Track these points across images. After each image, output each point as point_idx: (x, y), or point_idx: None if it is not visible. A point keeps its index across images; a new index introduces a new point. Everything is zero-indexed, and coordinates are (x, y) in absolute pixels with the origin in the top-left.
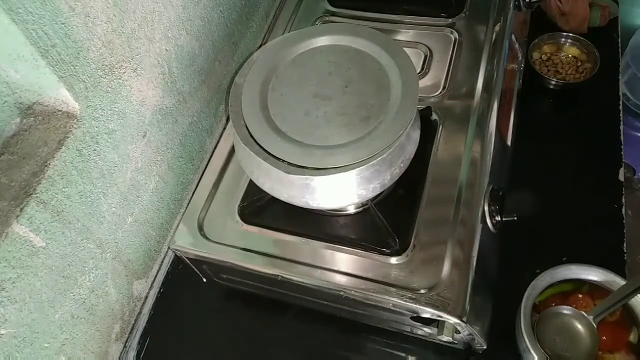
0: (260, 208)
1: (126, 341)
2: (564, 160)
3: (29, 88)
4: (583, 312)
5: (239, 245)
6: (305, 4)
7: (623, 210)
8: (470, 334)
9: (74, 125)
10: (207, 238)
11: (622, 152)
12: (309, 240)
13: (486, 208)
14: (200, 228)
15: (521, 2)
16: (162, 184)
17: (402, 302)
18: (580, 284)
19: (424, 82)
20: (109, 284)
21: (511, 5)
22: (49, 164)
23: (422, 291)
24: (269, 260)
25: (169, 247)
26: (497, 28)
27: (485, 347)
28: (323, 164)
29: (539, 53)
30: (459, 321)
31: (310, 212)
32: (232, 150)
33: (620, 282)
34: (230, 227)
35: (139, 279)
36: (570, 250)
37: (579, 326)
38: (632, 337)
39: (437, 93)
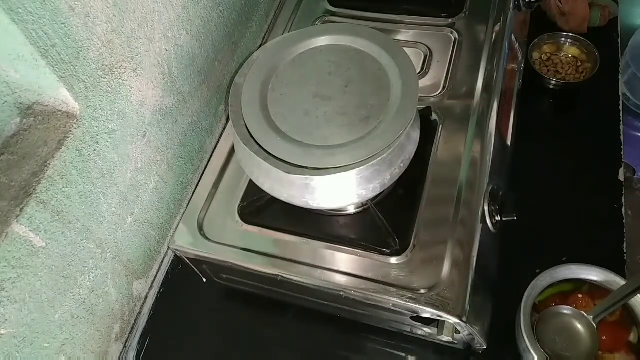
0: (260, 208)
1: (126, 341)
2: (564, 160)
3: (29, 88)
4: (583, 312)
5: (239, 245)
6: (305, 4)
7: (623, 210)
8: (470, 334)
9: (74, 125)
10: (207, 238)
11: (622, 152)
12: (309, 240)
13: (486, 208)
14: (200, 228)
15: (521, 2)
16: (162, 184)
17: (402, 302)
18: (580, 284)
19: (424, 82)
20: (109, 284)
21: (511, 5)
22: (49, 164)
23: (422, 291)
24: (269, 260)
25: (169, 247)
26: (497, 28)
27: (485, 347)
28: (323, 164)
29: (539, 53)
30: (459, 321)
31: (310, 212)
32: (232, 150)
33: (620, 282)
34: (230, 227)
35: (139, 279)
36: (570, 250)
37: (579, 326)
38: (632, 337)
39: (437, 93)
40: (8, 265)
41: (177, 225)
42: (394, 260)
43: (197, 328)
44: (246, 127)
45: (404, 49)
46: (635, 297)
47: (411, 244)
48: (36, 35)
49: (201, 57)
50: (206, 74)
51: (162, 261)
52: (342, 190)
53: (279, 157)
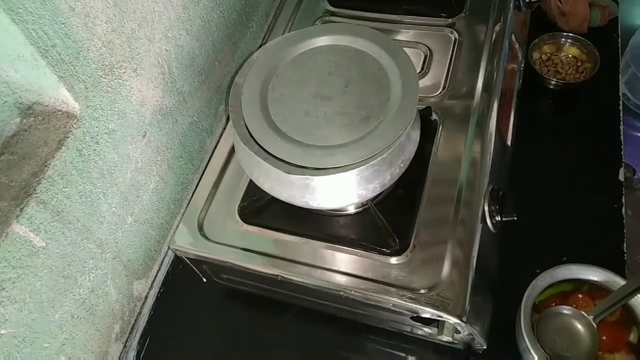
0: (260, 208)
1: (126, 341)
2: (564, 160)
3: (29, 88)
4: (583, 312)
5: (239, 245)
6: (305, 4)
7: (623, 210)
8: (470, 334)
9: (74, 125)
10: (207, 238)
11: (622, 152)
12: (309, 240)
13: (486, 208)
14: (200, 228)
15: (521, 2)
16: (162, 184)
17: (402, 302)
18: (580, 284)
19: (424, 82)
20: (109, 284)
21: (511, 5)
22: (49, 164)
23: (422, 291)
24: (269, 260)
25: (169, 247)
26: (497, 28)
27: (485, 347)
28: (323, 164)
29: (539, 53)
30: (459, 321)
31: (310, 212)
32: (232, 150)
33: (620, 282)
34: (230, 227)
35: (139, 279)
36: (570, 250)
37: (579, 326)
38: (632, 337)
39: (437, 93)
40: (8, 265)
41: (177, 225)
42: (394, 260)
43: (197, 328)
44: (246, 127)
45: (404, 49)
46: (635, 297)
47: (411, 244)
48: (36, 35)
49: (201, 57)
50: (206, 74)
51: (162, 261)
52: (342, 190)
53: (279, 157)
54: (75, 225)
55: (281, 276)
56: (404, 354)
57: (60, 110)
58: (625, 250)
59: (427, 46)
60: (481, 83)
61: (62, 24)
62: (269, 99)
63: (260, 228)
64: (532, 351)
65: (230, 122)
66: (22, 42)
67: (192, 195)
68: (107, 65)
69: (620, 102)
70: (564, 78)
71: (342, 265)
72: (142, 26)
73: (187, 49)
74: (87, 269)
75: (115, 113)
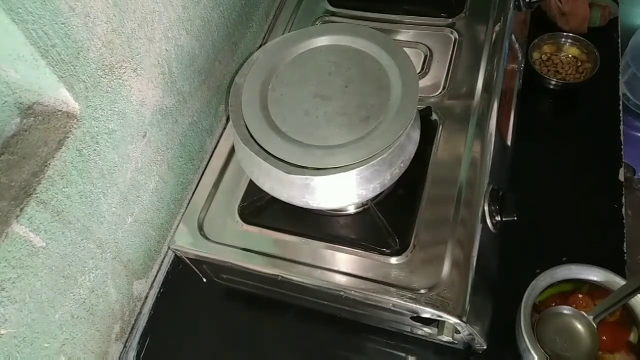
0: (260, 208)
1: (126, 341)
2: (564, 160)
3: (29, 88)
4: (583, 312)
5: (239, 245)
6: (305, 4)
7: (623, 210)
8: (470, 334)
9: (74, 125)
10: (207, 238)
11: (622, 152)
12: (309, 240)
13: (486, 208)
14: (200, 228)
15: (521, 2)
16: (162, 184)
17: (402, 302)
18: (580, 284)
19: (424, 82)
20: (109, 284)
21: (511, 5)
22: (49, 164)
23: (422, 291)
24: (269, 260)
25: (169, 247)
26: (497, 28)
27: (485, 347)
28: (323, 164)
29: (539, 53)
30: (459, 321)
31: (310, 212)
32: (232, 150)
33: (620, 282)
34: (230, 227)
35: (139, 279)
36: (570, 250)
37: (579, 326)
38: (632, 337)
39: (437, 93)
40: (8, 265)
41: (177, 225)
42: (394, 260)
43: (197, 328)
44: (246, 127)
45: (404, 49)
46: (635, 297)
47: (411, 244)
48: (36, 35)
49: (201, 57)
50: (206, 74)
51: (162, 261)
52: (342, 190)
53: (279, 157)
54: (75, 225)
55: (281, 276)
56: (404, 354)
57: (60, 110)
58: (625, 250)
59: (427, 46)
60: (481, 83)
61: (62, 24)
62: (269, 99)
63: (260, 228)
64: (532, 351)
65: (230, 122)
66: (22, 42)
67: (192, 195)
68: (107, 65)
69: (620, 102)
70: (564, 78)
71: (342, 265)
72: (142, 26)
73: (187, 49)
74: (87, 269)
75: (115, 113)
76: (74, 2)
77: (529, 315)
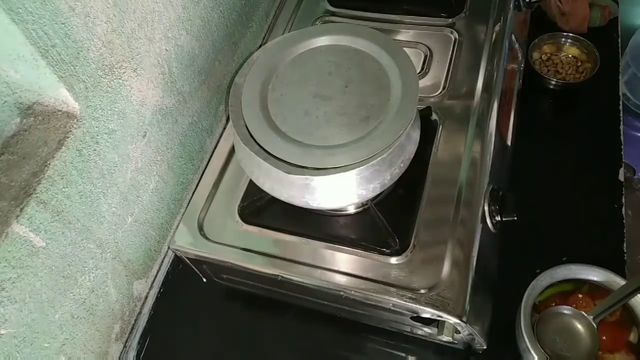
0: (260, 208)
1: (126, 341)
2: (564, 160)
3: (29, 88)
4: (583, 312)
5: (239, 245)
6: (305, 4)
7: (623, 210)
8: (470, 334)
9: (74, 125)
10: (207, 238)
11: (622, 152)
12: (309, 240)
13: (486, 208)
14: (200, 228)
15: (521, 2)
16: (162, 184)
17: (402, 302)
18: (580, 284)
19: (424, 82)
20: (109, 284)
21: (511, 5)
22: (49, 164)
23: (422, 291)
24: (269, 260)
25: (169, 247)
26: (497, 28)
27: (485, 347)
28: (323, 164)
29: (539, 53)
30: (459, 321)
31: (310, 212)
32: (232, 150)
33: (620, 282)
34: (230, 227)
35: (139, 279)
36: (570, 250)
37: (579, 326)
38: (632, 337)
39: (437, 93)
40: (8, 265)
41: (177, 225)
42: (394, 260)
43: (197, 328)
44: (246, 127)
45: (404, 49)
46: (635, 297)
47: (411, 244)
48: (36, 35)
49: (201, 57)
50: (206, 74)
51: (162, 261)
52: (342, 190)
53: (279, 157)
54: (75, 225)
55: (281, 276)
56: (404, 354)
57: (60, 110)
58: (625, 250)
59: (427, 46)
60: (481, 83)
61: (62, 24)
62: (269, 99)
63: (260, 228)
64: (532, 351)
65: (230, 122)
66: (22, 42)
67: (192, 195)
68: (107, 65)
69: (620, 102)
70: (564, 78)
71: (342, 265)
72: (142, 26)
73: (187, 49)
74: (87, 269)
75: (115, 113)
76: (74, 2)
77: (529, 315)
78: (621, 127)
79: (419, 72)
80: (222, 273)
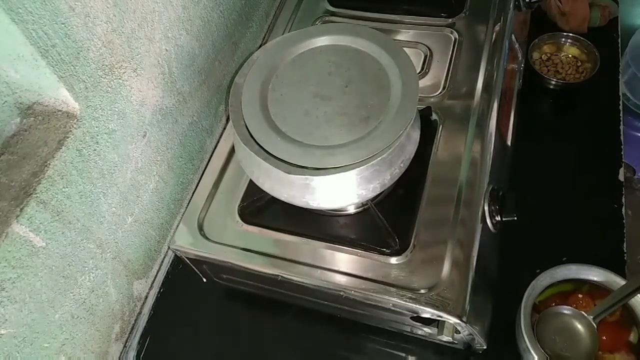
0: (260, 208)
1: (126, 341)
2: (564, 160)
3: (29, 88)
4: (583, 312)
5: (239, 245)
6: (305, 4)
7: (623, 210)
8: (470, 334)
9: (74, 125)
10: (207, 238)
11: (622, 152)
12: (309, 240)
13: (486, 208)
14: (200, 228)
15: (521, 2)
16: (162, 184)
17: (402, 302)
18: (580, 284)
19: (424, 82)
20: (109, 284)
21: (511, 5)
22: (49, 164)
23: (422, 291)
24: (269, 260)
25: (169, 247)
26: (497, 28)
27: (485, 347)
28: (323, 164)
29: (539, 53)
30: (459, 321)
31: (310, 212)
32: (232, 150)
33: (620, 282)
34: (230, 227)
35: (139, 279)
36: (570, 250)
37: (579, 326)
38: (632, 337)
39: (437, 93)
40: (8, 265)
41: (177, 225)
42: (394, 260)
43: (197, 328)
44: (246, 127)
45: (404, 49)
46: (635, 297)
47: (411, 244)
48: (36, 35)
49: (201, 57)
50: (206, 74)
51: (162, 261)
52: (342, 190)
53: (279, 157)
54: (75, 225)
55: (281, 276)
56: (404, 354)
57: (60, 110)
58: (625, 250)
59: (427, 46)
60: (481, 83)
61: (62, 24)
62: (269, 99)
63: (260, 228)
64: (532, 351)
65: (230, 122)
66: (22, 42)
67: (192, 195)
68: (107, 65)
69: (620, 102)
70: (564, 78)
71: (342, 265)
72: (142, 26)
73: (187, 49)
74: (87, 269)
75: (115, 113)
76: (74, 2)
77: (529, 315)
78: (621, 127)
79: (419, 72)
80: (222, 273)
